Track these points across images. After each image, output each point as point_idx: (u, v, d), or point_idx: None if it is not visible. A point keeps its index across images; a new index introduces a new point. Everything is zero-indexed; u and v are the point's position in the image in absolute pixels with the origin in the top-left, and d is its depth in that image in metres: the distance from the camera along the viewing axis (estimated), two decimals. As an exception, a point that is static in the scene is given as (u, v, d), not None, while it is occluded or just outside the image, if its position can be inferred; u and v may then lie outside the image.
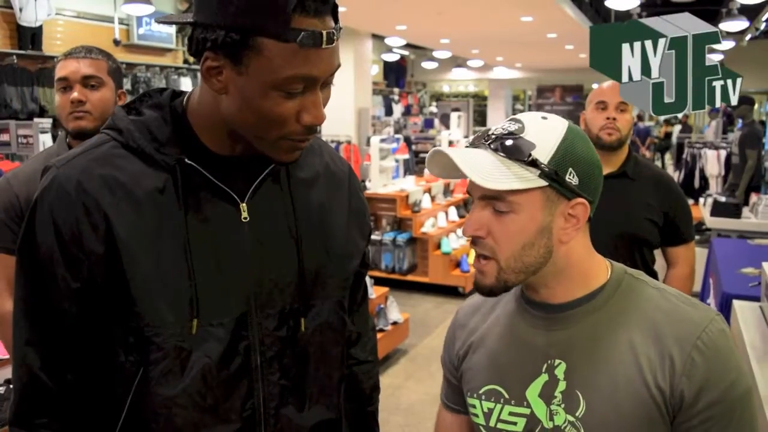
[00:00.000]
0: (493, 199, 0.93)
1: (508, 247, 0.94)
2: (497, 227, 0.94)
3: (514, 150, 0.91)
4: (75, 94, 1.73)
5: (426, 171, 7.44)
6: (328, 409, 1.09)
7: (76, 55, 1.78)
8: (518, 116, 0.97)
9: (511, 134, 0.93)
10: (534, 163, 0.91)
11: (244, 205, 0.99)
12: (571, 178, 0.93)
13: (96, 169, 0.95)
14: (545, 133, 0.93)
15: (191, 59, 9.40)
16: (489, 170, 0.91)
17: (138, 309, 0.93)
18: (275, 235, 1.02)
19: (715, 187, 8.53)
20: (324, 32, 0.86)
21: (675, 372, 0.90)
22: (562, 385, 0.96)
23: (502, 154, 0.92)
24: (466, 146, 0.99)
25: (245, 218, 0.99)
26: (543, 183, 0.91)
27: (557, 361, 0.98)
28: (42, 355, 0.96)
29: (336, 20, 0.90)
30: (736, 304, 2.83)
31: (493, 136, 0.94)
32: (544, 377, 0.98)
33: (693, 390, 0.90)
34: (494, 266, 0.95)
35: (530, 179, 0.91)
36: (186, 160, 0.96)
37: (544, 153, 0.92)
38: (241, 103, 0.90)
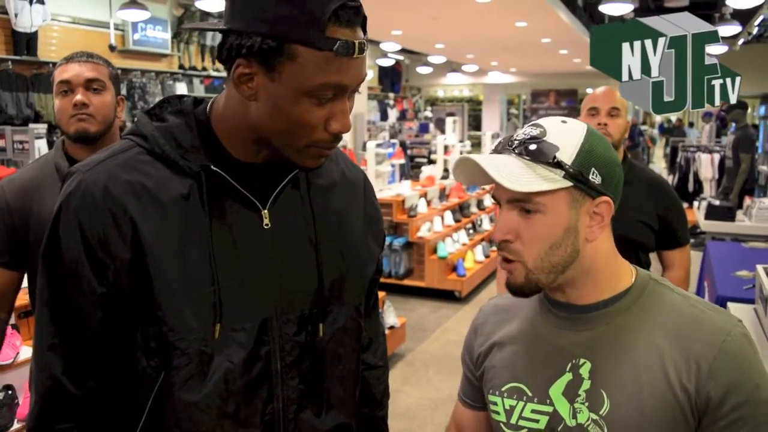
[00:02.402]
0: (520, 201, 0.96)
1: (534, 248, 0.96)
2: (525, 230, 0.96)
3: (539, 153, 0.94)
4: (78, 97, 1.72)
5: (421, 176, 7.45)
6: (343, 413, 1.10)
7: (78, 59, 1.77)
8: (538, 121, 1.00)
9: (534, 138, 0.96)
10: (559, 165, 0.94)
11: (265, 212, 1.01)
12: (594, 178, 0.96)
13: (122, 174, 0.95)
14: (566, 135, 0.96)
15: (186, 64, 9.41)
16: (516, 173, 0.94)
17: (162, 314, 0.94)
18: (295, 241, 1.03)
19: (709, 190, 8.56)
20: (356, 42, 0.89)
21: (701, 375, 0.92)
22: (586, 384, 0.98)
23: (527, 157, 0.95)
24: (491, 153, 1.01)
25: (267, 225, 1.00)
26: (568, 183, 0.94)
27: (582, 360, 0.99)
28: (65, 360, 0.97)
29: (365, 32, 0.92)
30: (731, 306, 2.85)
31: (516, 142, 0.97)
32: (568, 376, 1.00)
33: (719, 392, 0.91)
34: (521, 268, 0.97)
35: (556, 180, 0.94)
36: (211, 166, 0.97)
37: (567, 154, 0.94)
38: (272, 109, 0.92)
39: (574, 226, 0.96)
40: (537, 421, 1.02)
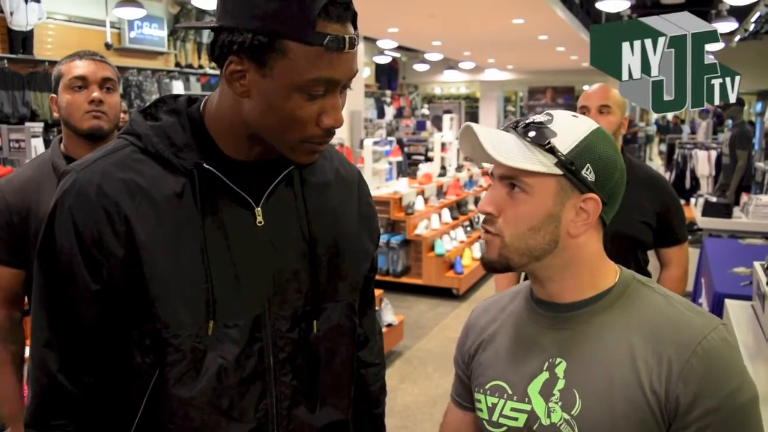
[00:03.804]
0: (510, 178, 0.97)
1: (514, 226, 0.97)
2: (508, 207, 0.98)
3: (537, 136, 0.96)
4: (96, 94, 1.74)
5: (419, 173, 7.45)
6: (338, 410, 1.10)
7: (92, 57, 1.79)
8: (552, 111, 1.02)
9: (538, 123, 0.98)
10: (552, 151, 0.95)
11: (259, 209, 1.01)
12: (588, 173, 0.96)
13: (116, 172, 0.96)
14: (571, 127, 0.98)
15: (183, 62, 9.39)
16: (510, 150, 0.95)
17: (156, 311, 0.94)
18: (289, 238, 1.04)
19: (706, 187, 8.58)
20: (347, 37, 0.89)
21: (671, 377, 0.91)
22: (560, 383, 0.98)
23: (527, 139, 0.96)
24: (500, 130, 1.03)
25: (260, 222, 1.01)
26: (558, 171, 0.95)
27: (558, 360, 0.99)
28: (61, 357, 0.97)
29: (355, 27, 0.93)
30: (729, 303, 2.85)
31: (522, 124, 0.99)
32: (545, 375, 1.00)
33: (689, 396, 0.90)
34: (498, 242, 0.99)
35: (546, 165, 0.95)
36: (204, 164, 0.97)
37: (564, 144, 0.96)
38: (264, 105, 0.92)
39: (557, 216, 0.97)
40: (516, 419, 1.02)
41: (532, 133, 0.96)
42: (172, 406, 0.96)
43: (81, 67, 1.75)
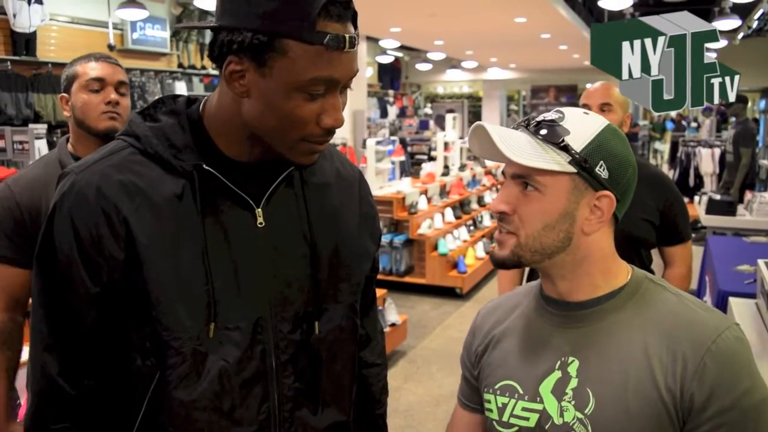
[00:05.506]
0: (523, 177, 0.97)
1: (529, 225, 0.97)
2: (522, 205, 0.97)
3: (549, 134, 0.96)
4: (113, 95, 1.78)
5: (422, 173, 7.45)
6: (340, 411, 1.10)
7: (107, 59, 1.83)
8: (562, 108, 1.01)
9: (550, 121, 0.97)
10: (566, 149, 0.95)
11: (259, 210, 1.01)
12: (601, 171, 0.96)
13: (115, 174, 0.96)
14: (583, 124, 0.98)
15: (186, 63, 9.39)
16: (523, 148, 0.95)
17: (156, 313, 0.94)
18: (290, 240, 1.04)
19: (709, 185, 8.57)
20: (347, 36, 0.89)
21: (686, 375, 0.90)
22: (573, 382, 0.98)
23: (539, 137, 0.96)
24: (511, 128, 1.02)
25: (261, 223, 1.01)
26: (572, 169, 0.95)
27: (570, 358, 0.99)
28: (61, 361, 0.97)
29: (355, 26, 0.93)
30: (733, 301, 2.85)
31: (534, 122, 0.98)
32: (557, 374, 1.00)
33: (703, 394, 0.89)
34: (514, 241, 0.98)
35: (560, 163, 0.95)
36: (204, 165, 0.97)
37: (578, 141, 0.95)
38: (264, 105, 0.92)
39: (571, 214, 0.97)
40: (527, 419, 1.01)
41: (544, 131, 0.96)
42: (173, 409, 0.96)
43: (98, 69, 1.79)
